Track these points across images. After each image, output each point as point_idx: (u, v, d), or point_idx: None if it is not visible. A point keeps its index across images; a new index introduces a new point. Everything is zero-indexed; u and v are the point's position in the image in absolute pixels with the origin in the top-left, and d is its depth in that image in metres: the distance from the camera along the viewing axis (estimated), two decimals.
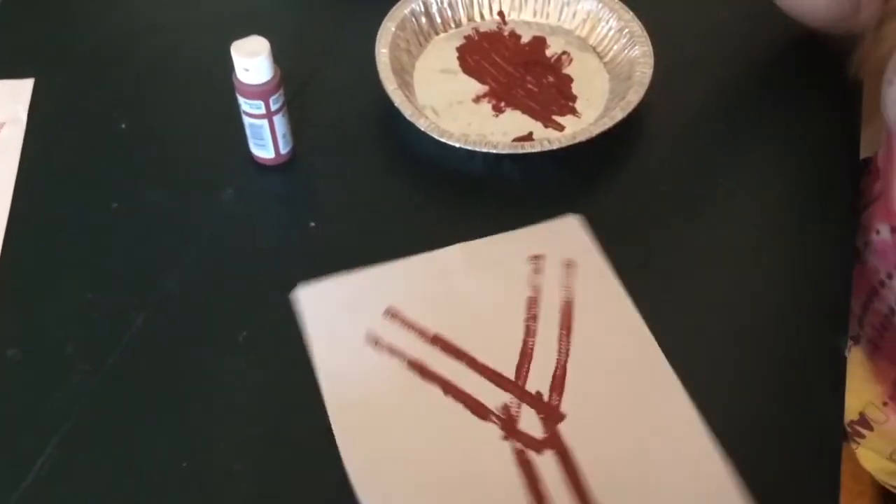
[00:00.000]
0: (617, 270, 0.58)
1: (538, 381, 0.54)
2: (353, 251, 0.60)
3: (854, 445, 0.71)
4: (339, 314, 0.57)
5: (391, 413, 0.53)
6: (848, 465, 0.75)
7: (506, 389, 0.53)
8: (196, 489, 0.50)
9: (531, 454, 0.51)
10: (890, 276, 0.63)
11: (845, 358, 0.55)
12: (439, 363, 0.55)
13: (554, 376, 0.54)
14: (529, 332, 0.56)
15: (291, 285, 0.58)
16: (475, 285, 0.58)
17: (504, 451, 0.51)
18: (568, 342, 0.55)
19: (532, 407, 0.53)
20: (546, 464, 0.50)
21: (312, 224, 0.62)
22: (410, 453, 0.51)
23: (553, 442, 0.51)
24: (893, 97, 0.56)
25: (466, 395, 0.53)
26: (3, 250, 0.60)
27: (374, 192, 0.64)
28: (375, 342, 0.55)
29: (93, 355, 0.55)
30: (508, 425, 0.52)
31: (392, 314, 0.57)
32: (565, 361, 0.55)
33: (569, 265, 0.59)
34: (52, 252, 0.61)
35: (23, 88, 0.70)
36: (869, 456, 0.71)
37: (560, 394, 0.53)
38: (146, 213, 0.63)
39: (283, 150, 0.64)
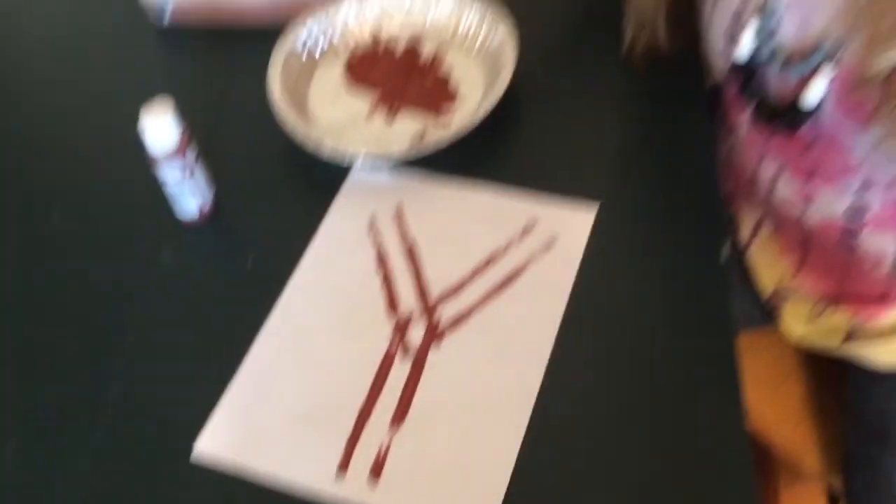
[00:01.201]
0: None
1: (448, 311, 0.64)
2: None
3: (777, 322, 0.80)
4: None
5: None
6: (766, 356, 0.84)
7: (421, 301, 0.65)
8: None
9: (398, 353, 0.62)
10: (761, 159, 0.72)
11: (723, 265, 0.64)
12: (399, 262, 0.67)
13: (460, 314, 0.63)
14: (474, 273, 0.65)
15: (245, 322, 0.64)
16: (472, 228, 0.69)
17: (382, 341, 0.63)
18: (487, 300, 0.64)
19: (425, 322, 0.63)
20: (400, 368, 0.61)
21: (249, 266, 0.68)
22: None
23: (417, 358, 0.62)
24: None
25: (393, 291, 0.65)
26: None
27: (296, 218, 0.71)
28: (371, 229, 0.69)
29: (36, 449, 0.60)
30: (401, 325, 0.63)
31: (398, 216, 0.70)
32: (471, 310, 0.64)
33: (547, 247, 0.66)
34: None
35: None
36: (793, 324, 0.80)
37: (450, 330, 0.63)
38: (88, 292, 0.68)
39: (207, 205, 0.70)
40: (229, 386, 0.61)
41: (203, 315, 0.66)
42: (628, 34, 0.75)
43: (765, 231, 0.76)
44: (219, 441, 0.59)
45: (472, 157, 0.72)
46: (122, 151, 0.73)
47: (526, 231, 0.67)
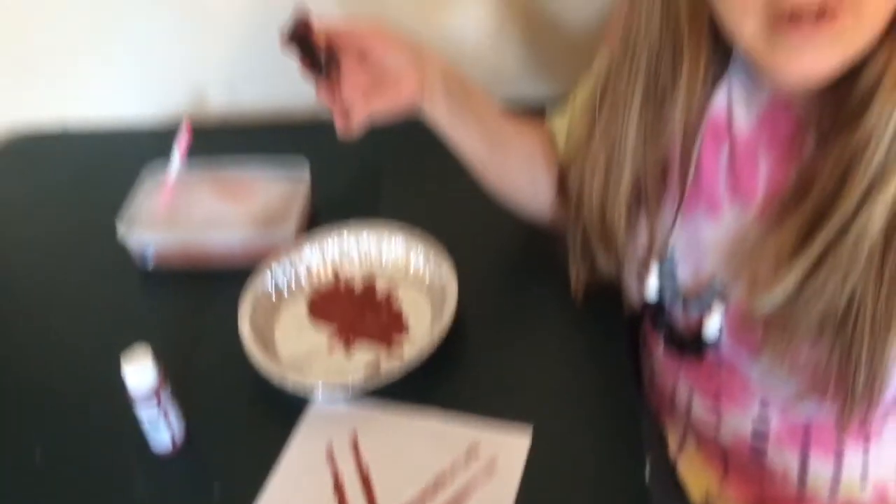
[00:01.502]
0: None
1: None
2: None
3: None
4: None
5: None
6: None
7: None
8: None
9: None
10: (676, 382, 0.81)
11: (647, 484, 0.71)
12: (354, 487, 0.73)
13: None
14: (423, 497, 0.71)
15: None
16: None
17: None
18: None
19: None
20: None
21: (216, 494, 0.74)
22: None
23: None
24: None
25: None
26: None
27: (260, 446, 0.77)
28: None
29: None
30: None
31: (353, 443, 0.76)
32: None
33: (489, 471, 0.73)
34: None
35: None
36: None
37: None
38: None
39: (179, 438, 0.77)
40: None
41: None
42: (571, 268, 0.83)
43: (689, 444, 0.84)
44: None
45: (420, 385, 0.80)
46: (104, 389, 0.80)
47: (469, 455, 0.74)
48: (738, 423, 0.75)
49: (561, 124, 0.86)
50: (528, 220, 0.90)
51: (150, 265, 0.96)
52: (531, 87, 1.15)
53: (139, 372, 0.72)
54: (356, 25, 0.76)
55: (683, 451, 0.85)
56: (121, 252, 0.96)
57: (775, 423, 0.73)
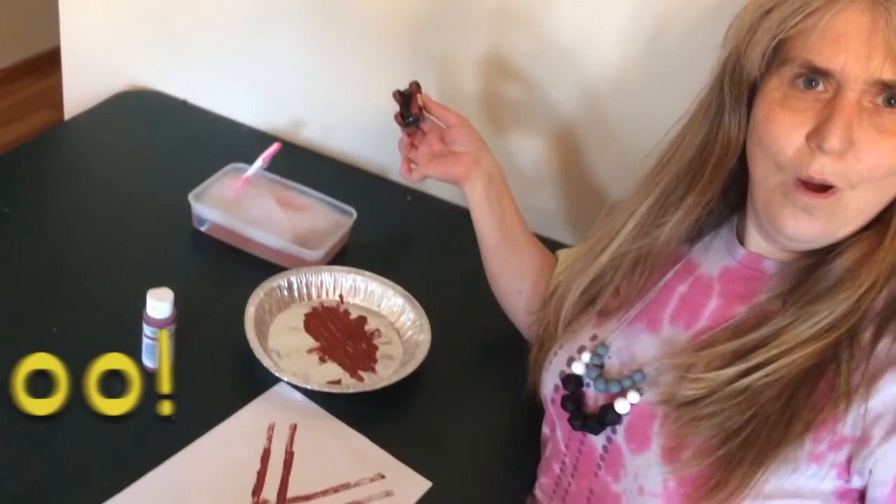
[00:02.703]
0: None
1: None
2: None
3: None
4: None
5: None
6: None
7: (279, 497, 0.85)
8: None
9: None
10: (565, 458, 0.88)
11: None
12: (277, 462, 0.88)
13: None
14: (325, 493, 0.85)
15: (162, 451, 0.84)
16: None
17: None
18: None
19: None
20: None
21: (173, 417, 0.90)
22: None
23: None
24: None
25: (262, 481, 0.86)
26: None
27: (228, 399, 0.93)
28: None
29: None
30: None
31: (291, 430, 0.91)
32: None
33: (385, 496, 0.86)
34: None
35: None
36: None
37: None
38: None
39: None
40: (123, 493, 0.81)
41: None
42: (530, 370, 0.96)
43: None
44: None
45: (363, 412, 0.95)
46: (129, 306, 0.96)
47: (374, 478, 0.89)
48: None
49: (566, 255, 1.02)
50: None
51: (205, 229, 1.14)
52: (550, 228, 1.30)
53: (157, 306, 0.90)
54: (452, 110, 1.02)
55: None
56: (186, 212, 1.14)
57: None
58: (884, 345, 0.71)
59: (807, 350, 0.72)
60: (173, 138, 1.35)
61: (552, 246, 1.07)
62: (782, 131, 0.72)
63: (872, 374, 0.70)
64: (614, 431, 0.81)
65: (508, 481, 0.93)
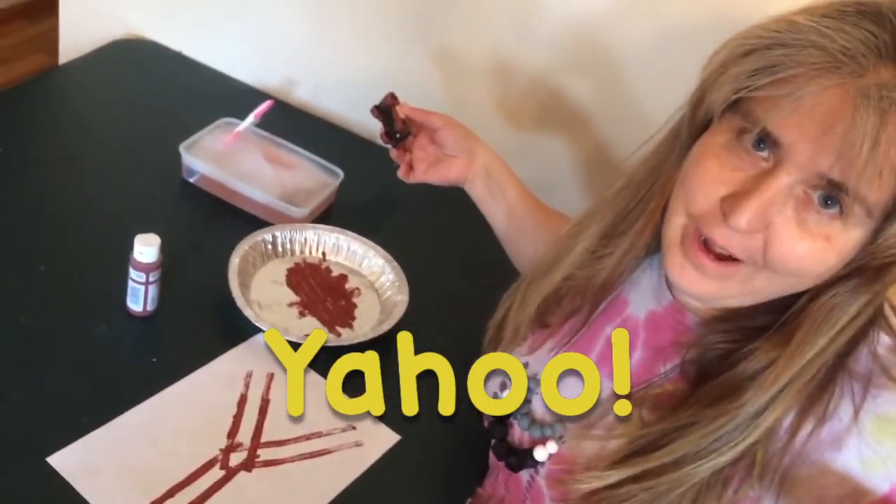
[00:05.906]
0: None
1: (266, 454, 0.85)
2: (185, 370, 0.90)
3: None
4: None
5: None
6: None
7: (253, 439, 0.89)
8: None
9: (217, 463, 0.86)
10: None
11: None
12: (253, 407, 0.89)
13: (273, 460, 0.86)
14: (297, 440, 0.89)
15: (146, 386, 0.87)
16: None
17: (213, 451, 0.86)
18: (294, 460, 0.87)
19: (247, 454, 0.86)
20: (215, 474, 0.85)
21: (154, 360, 0.93)
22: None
23: (228, 473, 0.85)
24: None
25: (238, 424, 0.89)
26: None
27: (212, 343, 0.96)
28: None
29: None
30: (231, 447, 0.87)
31: (268, 379, 0.95)
32: (281, 461, 0.87)
33: (355, 445, 0.90)
34: None
35: None
36: None
37: (260, 467, 0.86)
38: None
39: (150, 308, 0.96)
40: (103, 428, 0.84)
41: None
42: None
43: None
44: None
45: None
46: (116, 250, 0.98)
47: (346, 429, 0.92)
48: None
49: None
50: None
51: (194, 180, 1.16)
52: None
53: (144, 251, 0.92)
54: (435, 113, 1.00)
55: None
56: (176, 162, 1.16)
57: None
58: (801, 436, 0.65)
59: (701, 466, 0.65)
60: (167, 89, 1.37)
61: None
62: (703, 181, 0.64)
63: (786, 469, 0.65)
64: (537, 472, 0.78)
65: (475, 441, 0.97)
